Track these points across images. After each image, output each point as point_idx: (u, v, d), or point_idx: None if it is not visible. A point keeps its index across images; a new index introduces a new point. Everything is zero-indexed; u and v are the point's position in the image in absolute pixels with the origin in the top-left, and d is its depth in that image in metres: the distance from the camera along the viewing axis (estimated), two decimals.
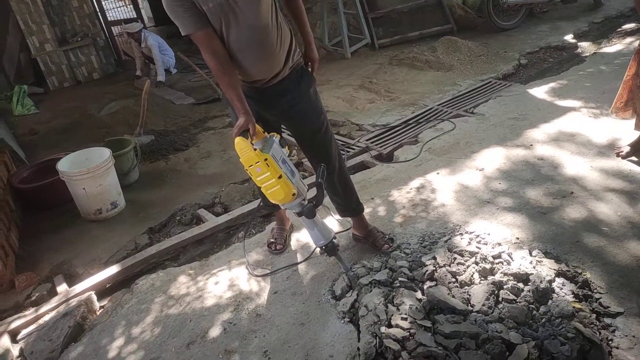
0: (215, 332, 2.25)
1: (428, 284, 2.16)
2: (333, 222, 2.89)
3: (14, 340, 2.47)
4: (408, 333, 1.90)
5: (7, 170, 3.87)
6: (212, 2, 1.90)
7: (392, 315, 2.01)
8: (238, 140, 1.94)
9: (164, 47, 6.80)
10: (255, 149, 1.94)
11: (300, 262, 2.61)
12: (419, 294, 2.11)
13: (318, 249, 2.34)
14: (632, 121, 3.01)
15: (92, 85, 7.18)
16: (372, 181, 3.32)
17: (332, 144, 2.36)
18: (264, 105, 2.23)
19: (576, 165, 3.05)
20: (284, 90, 2.18)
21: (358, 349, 1.97)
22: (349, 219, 2.75)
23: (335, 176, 2.34)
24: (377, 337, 1.95)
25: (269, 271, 2.60)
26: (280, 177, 1.96)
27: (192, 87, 6.44)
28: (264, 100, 2.21)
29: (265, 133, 2.11)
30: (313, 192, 2.23)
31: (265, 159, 1.93)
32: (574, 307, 1.91)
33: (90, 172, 3.32)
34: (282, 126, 2.48)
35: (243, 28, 1.97)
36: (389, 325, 1.98)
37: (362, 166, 3.67)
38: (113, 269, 2.85)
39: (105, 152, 3.51)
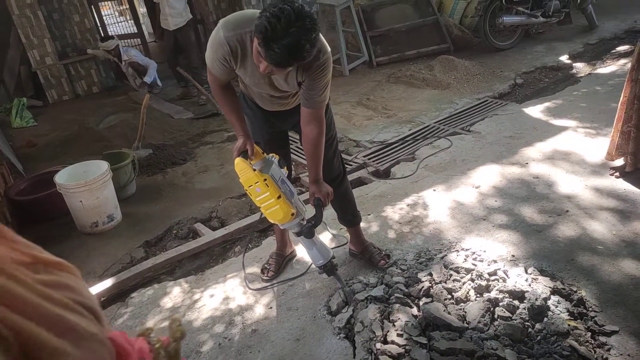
0: (209, 346, 2.24)
1: (424, 300, 2.16)
2: (330, 237, 2.90)
3: None
4: (403, 349, 1.90)
5: (4, 182, 3.87)
6: (251, 80, 2.04)
7: (388, 331, 2.01)
8: (238, 161, 1.98)
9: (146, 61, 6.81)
10: (254, 170, 1.96)
11: (296, 277, 2.61)
12: (414, 310, 2.11)
13: (315, 266, 2.34)
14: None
15: (91, 99, 7.21)
16: (369, 197, 3.34)
17: (336, 157, 2.40)
18: (273, 118, 2.31)
19: (571, 184, 3.08)
20: (295, 111, 2.21)
21: None
22: (346, 234, 2.76)
23: (334, 187, 2.35)
24: (373, 354, 1.95)
25: (265, 285, 2.59)
26: (279, 197, 1.98)
27: (190, 101, 6.48)
28: (273, 115, 2.29)
29: (265, 154, 2.14)
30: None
31: (265, 179, 1.96)
32: (569, 325, 1.92)
33: (87, 185, 3.32)
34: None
35: (266, 95, 2.15)
36: (385, 342, 1.98)
37: (359, 182, 3.69)
38: (108, 282, 2.83)
39: (103, 165, 3.52)
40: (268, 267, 2.67)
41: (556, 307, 2.03)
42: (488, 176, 3.33)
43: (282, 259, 2.72)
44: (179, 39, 6.25)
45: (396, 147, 4.18)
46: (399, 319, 2.06)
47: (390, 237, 2.83)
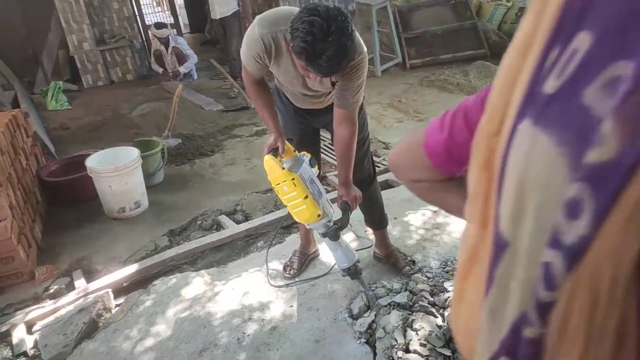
0: (228, 341, 2.22)
1: (449, 310, 2.10)
2: (354, 238, 2.85)
3: (29, 331, 2.48)
4: None
5: (37, 162, 3.95)
6: (284, 78, 2.04)
7: (410, 340, 1.95)
8: (267, 158, 1.95)
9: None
10: (283, 168, 1.94)
11: (319, 277, 2.57)
12: (439, 320, 2.05)
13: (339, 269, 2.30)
14: None
15: (125, 86, 7.33)
16: (396, 201, 3.27)
17: (366, 158, 2.37)
18: (306, 114, 2.29)
19: None
20: (327, 110, 2.18)
21: None
22: (371, 236, 2.72)
23: (363, 189, 2.30)
24: None
25: (286, 282, 2.57)
26: (306, 197, 1.95)
27: (221, 93, 6.51)
28: (306, 112, 2.27)
29: (296, 152, 2.12)
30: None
31: (293, 179, 1.93)
32: None
33: (117, 171, 3.36)
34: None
35: (298, 94, 2.14)
36: (407, 351, 1.93)
37: (387, 185, 3.63)
38: (131, 269, 2.86)
39: (134, 152, 3.55)
40: (290, 265, 2.64)
41: None
42: None
43: (305, 258, 2.68)
44: (225, 29, 6.36)
45: None
46: (422, 327, 2.00)
47: (416, 243, 2.76)
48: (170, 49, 6.67)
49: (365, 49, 1.93)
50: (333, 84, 1.93)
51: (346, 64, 1.77)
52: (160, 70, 6.81)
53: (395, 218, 3.03)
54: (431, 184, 0.80)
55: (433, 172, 0.76)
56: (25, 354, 2.34)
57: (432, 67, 6.48)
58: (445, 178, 0.77)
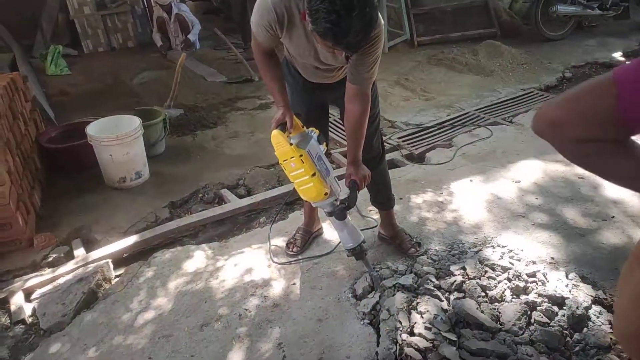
0: (230, 317, 2.19)
1: (455, 294, 2.07)
2: (359, 218, 2.81)
3: (27, 299, 2.45)
4: (431, 344, 1.82)
5: (36, 128, 3.86)
6: (296, 51, 1.97)
7: (415, 322, 1.93)
8: (275, 133, 1.88)
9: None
10: (291, 144, 1.87)
11: (322, 256, 2.54)
12: (444, 304, 2.02)
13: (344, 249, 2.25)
14: None
15: (125, 53, 7.16)
16: (401, 181, 3.22)
17: (376, 136, 2.30)
18: (316, 88, 2.21)
19: (619, 188, 2.91)
20: (338, 85, 2.11)
21: (377, 353, 1.90)
22: (376, 216, 2.68)
23: (371, 168, 2.23)
24: (398, 344, 1.88)
25: (289, 260, 2.53)
26: (313, 174, 1.89)
27: (224, 64, 6.37)
28: (316, 86, 2.19)
29: (304, 128, 2.05)
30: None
31: (301, 155, 1.86)
32: (611, 338, 1.81)
33: (119, 139, 3.28)
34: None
35: (309, 67, 2.06)
36: (411, 333, 1.90)
37: (392, 164, 3.56)
38: (132, 239, 2.81)
39: (135, 121, 3.47)
40: (294, 242, 2.60)
41: (597, 317, 1.91)
42: (529, 171, 3.18)
43: (309, 236, 2.64)
44: None
45: (433, 131, 4.04)
46: (427, 311, 1.97)
47: (421, 225, 2.72)
48: (173, 17, 6.49)
49: (382, 22, 1.84)
50: (347, 58, 1.84)
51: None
52: (159, 43, 6.62)
53: (401, 198, 2.98)
54: (604, 146, 0.68)
55: (615, 130, 0.64)
56: (23, 321, 2.31)
57: (440, 45, 6.35)
58: (623, 138, 0.66)
